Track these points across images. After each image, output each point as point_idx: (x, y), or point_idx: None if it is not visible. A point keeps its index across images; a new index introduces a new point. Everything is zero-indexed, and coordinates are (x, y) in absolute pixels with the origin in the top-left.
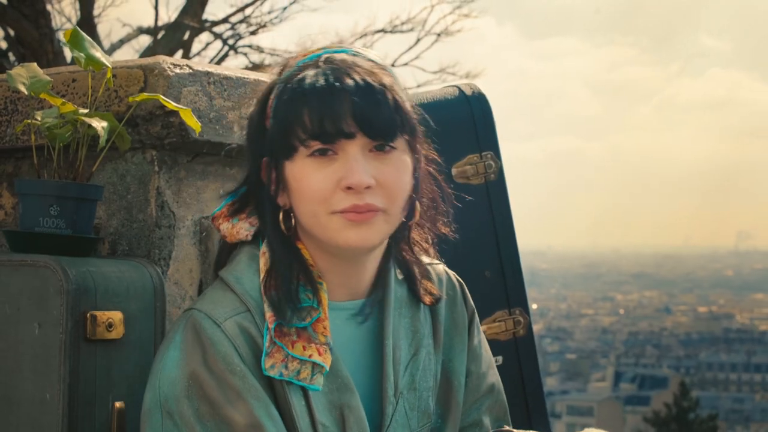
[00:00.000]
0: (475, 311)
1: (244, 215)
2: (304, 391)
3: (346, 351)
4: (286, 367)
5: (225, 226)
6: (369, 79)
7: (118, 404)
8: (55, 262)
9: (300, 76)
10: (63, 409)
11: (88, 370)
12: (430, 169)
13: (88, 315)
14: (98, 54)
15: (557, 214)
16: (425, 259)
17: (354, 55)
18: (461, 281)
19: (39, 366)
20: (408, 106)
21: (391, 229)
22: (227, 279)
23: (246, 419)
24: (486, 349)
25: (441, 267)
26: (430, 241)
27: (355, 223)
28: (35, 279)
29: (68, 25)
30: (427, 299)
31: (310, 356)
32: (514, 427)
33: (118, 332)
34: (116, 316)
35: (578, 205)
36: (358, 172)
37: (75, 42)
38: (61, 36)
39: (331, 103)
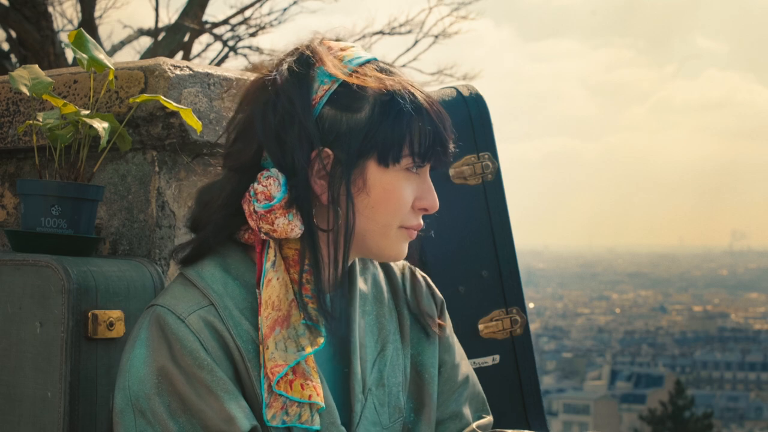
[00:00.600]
0: (444, 303)
1: (294, 210)
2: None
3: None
4: (287, 413)
5: (281, 222)
6: (441, 110)
7: (113, 406)
8: (57, 262)
9: (394, 88)
10: (64, 406)
11: (89, 369)
12: None
13: (89, 314)
14: (101, 56)
15: (553, 214)
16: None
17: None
18: (425, 276)
19: (41, 364)
20: None
21: None
22: (188, 274)
23: (217, 413)
24: (457, 341)
25: (402, 262)
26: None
27: (409, 239)
28: (37, 278)
29: (70, 27)
30: (397, 269)
31: (309, 397)
32: (510, 427)
33: (118, 331)
34: (117, 315)
35: (574, 205)
36: (435, 198)
37: (79, 43)
38: (63, 38)
39: (439, 127)
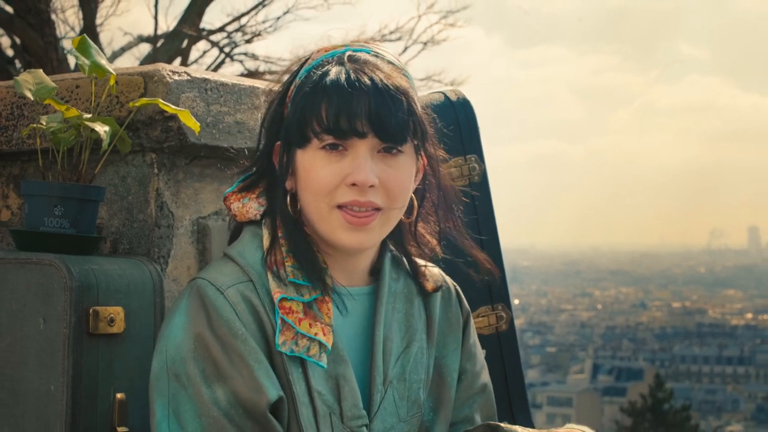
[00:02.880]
0: (470, 314)
1: (254, 195)
2: (302, 360)
3: (340, 333)
4: (297, 344)
5: (236, 205)
6: (387, 82)
7: (119, 396)
8: (60, 260)
9: (323, 70)
10: (67, 400)
11: (90, 363)
12: (439, 169)
13: (91, 310)
14: (103, 61)
15: (539, 214)
16: (421, 262)
17: (375, 55)
18: (456, 285)
19: (44, 359)
20: (420, 110)
21: (387, 230)
22: (230, 253)
23: (247, 381)
24: (480, 351)
25: (436, 270)
26: (436, 236)
27: (353, 227)
28: (40, 276)
29: (72, 34)
30: (429, 286)
31: (315, 335)
32: (499, 421)
33: (119, 327)
34: (117, 311)
35: (559, 206)
36: (364, 171)
37: (82, 49)
38: (66, 44)
39: (349, 102)
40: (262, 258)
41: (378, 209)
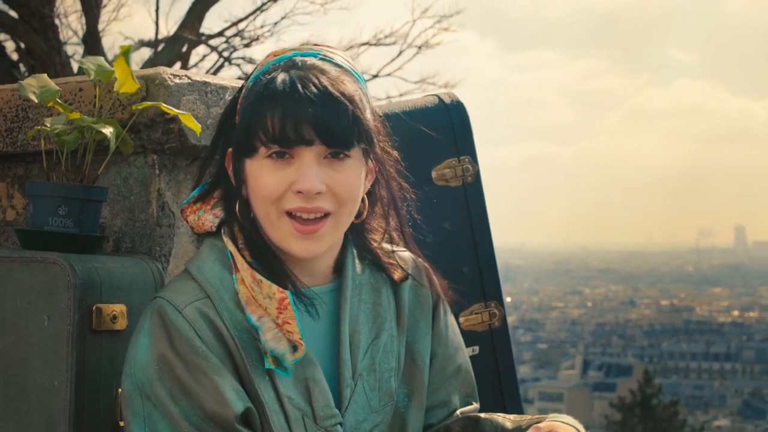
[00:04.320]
0: (441, 295)
1: (208, 207)
2: (268, 369)
3: (307, 335)
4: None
5: (192, 218)
6: (332, 89)
7: (121, 391)
8: (63, 259)
9: (269, 77)
10: (70, 395)
11: (93, 360)
12: (390, 169)
13: (94, 308)
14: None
15: (531, 214)
16: (387, 246)
17: (323, 59)
18: (427, 266)
19: (48, 355)
20: (368, 114)
21: (339, 234)
22: (190, 269)
23: (213, 396)
24: (454, 332)
25: (406, 253)
26: (394, 232)
27: (303, 235)
28: (45, 274)
29: (75, 39)
30: (397, 275)
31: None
32: (488, 411)
33: (121, 324)
34: (120, 308)
35: (550, 206)
36: (310, 178)
37: (126, 57)
38: (70, 48)
39: (294, 110)
40: (221, 270)
41: (327, 214)
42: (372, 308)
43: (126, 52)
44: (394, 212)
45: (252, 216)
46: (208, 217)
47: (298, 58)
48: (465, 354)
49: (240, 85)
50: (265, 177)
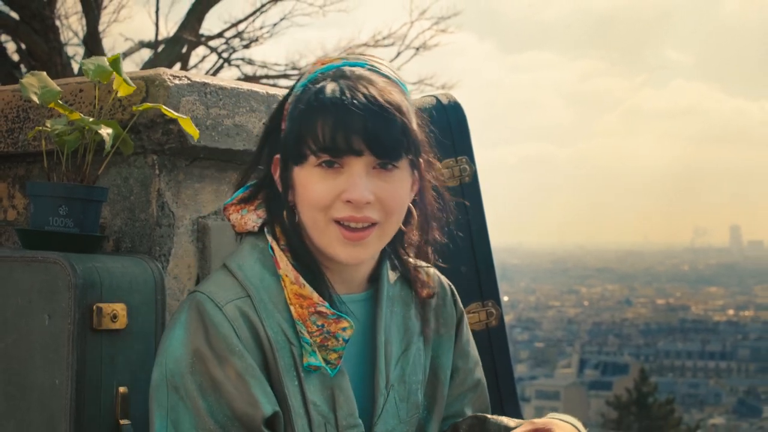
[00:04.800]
0: (464, 313)
1: (252, 207)
2: (298, 373)
3: None
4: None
5: (234, 216)
6: (381, 99)
7: (122, 389)
8: (64, 259)
9: (318, 86)
10: (71, 393)
11: (94, 358)
12: (433, 181)
13: (94, 307)
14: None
15: (528, 214)
16: (419, 263)
17: (370, 69)
18: (451, 285)
19: (49, 354)
20: (415, 125)
21: (383, 243)
22: (230, 266)
23: (244, 396)
24: (474, 348)
25: (432, 270)
26: (429, 244)
27: (350, 242)
28: (45, 274)
29: (75, 40)
30: (424, 293)
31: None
32: (486, 412)
33: (121, 323)
34: (120, 308)
35: (547, 206)
36: (359, 189)
37: (115, 66)
38: (71, 50)
39: (345, 120)
40: (261, 270)
41: (375, 223)
42: (402, 321)
43: (115, 62)
44: (432, 225)
45: (297, 221)
46: (252, 217)
47: (347, 68)
48: (482, 370)
49: (286, 92)
50: (314, 185)
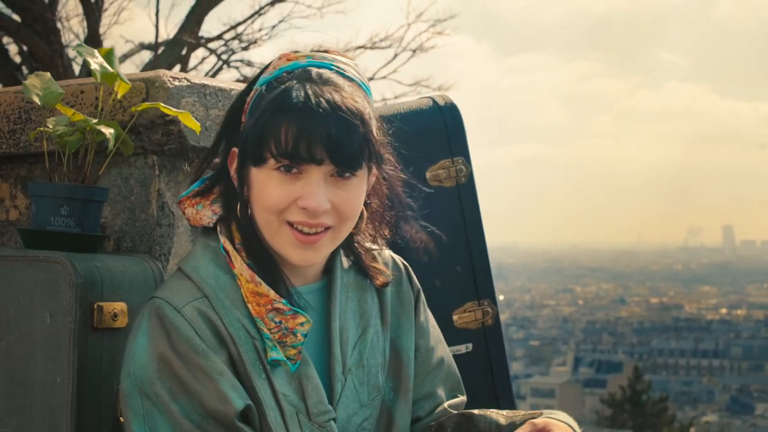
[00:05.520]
0: (421, 291)
1: (207, 202)
2: (264, 366)
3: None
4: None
5: (190, 211)
6: (345, 107)
7: (120, 390)
8: (65, 258)
9: (284, 87)
10: (72, 391)
11: (95, 356)
12: (389, 177)
13: (95, 306)
14: (118, 71)
15: (523, 214)
16: (373, 246)
17: (336, 71)
18: (406, 264)
19: (50, 352)
20: (375, 131)
21: (336, 245)
22: (185, 269)
23: (213, 393)
24: (434, 326)
25: (387, 252)
26: (380, 239)
27: (302, 245)
28: (47, 273)
29: (77, 42)
30: (379, 281)
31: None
32: (481, 407)
33: (122, 322)
34: (121, 306)
35: (543, 206)
36: (317, 197)
37: (108, 59)
38: (72, 52)
39: (308, 128)
40: (216, 270)
41: (328, 228)
42: (358, 306)
43: (108, 55)
44: (386, 218)
45: (250, 217)
46: (207, 212)
47: (313, 69)
48: (446, 347)
49: (247, 84)
50: (272, 189)
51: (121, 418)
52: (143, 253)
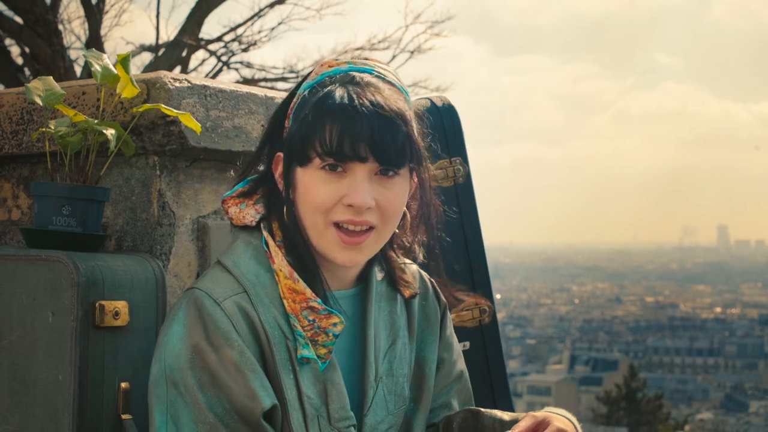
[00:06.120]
0: (447, 306)
1: (251, 201)
2: (293, 366)
3: None
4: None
5: (233, 210)
6: (387, 108)
7: (123, 385)
8: (67, 257)
9: (326, 90)
10: (74, 389)
11: (96, 355)
12: (430, 188)
13: (97, 304)
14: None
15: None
16: (399, 260)
17: (377, 76)
18: (432, 280)
19: (52, 350)
20: (416, 133)
21: (379, 247)
22: (225, 263)
23: (243, 389)
24: (456, 340)
25: (414, 267)
26: (418, 245)
27: (347, 246)
28: (49, 272)
29: (78, 44)
30: (407, 293)
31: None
32: (478, 403)
33: (123, 320)
34: (122, 305)
35: (539, 206)
36: (361, 194)
37: (124, 64)
38: (73, 53)
39: (352, 126)
40: (256, 267)
41: (372, 227)
42: (389, 316)
43: (124, 60)
44: (424, 227)
45: (295, 218)
46: (250, 211)
47: (355, 74)
48: (464, 362)
49: (290, 92)
50: (317, 188)
51: (123, 416)
52: (144, 253)
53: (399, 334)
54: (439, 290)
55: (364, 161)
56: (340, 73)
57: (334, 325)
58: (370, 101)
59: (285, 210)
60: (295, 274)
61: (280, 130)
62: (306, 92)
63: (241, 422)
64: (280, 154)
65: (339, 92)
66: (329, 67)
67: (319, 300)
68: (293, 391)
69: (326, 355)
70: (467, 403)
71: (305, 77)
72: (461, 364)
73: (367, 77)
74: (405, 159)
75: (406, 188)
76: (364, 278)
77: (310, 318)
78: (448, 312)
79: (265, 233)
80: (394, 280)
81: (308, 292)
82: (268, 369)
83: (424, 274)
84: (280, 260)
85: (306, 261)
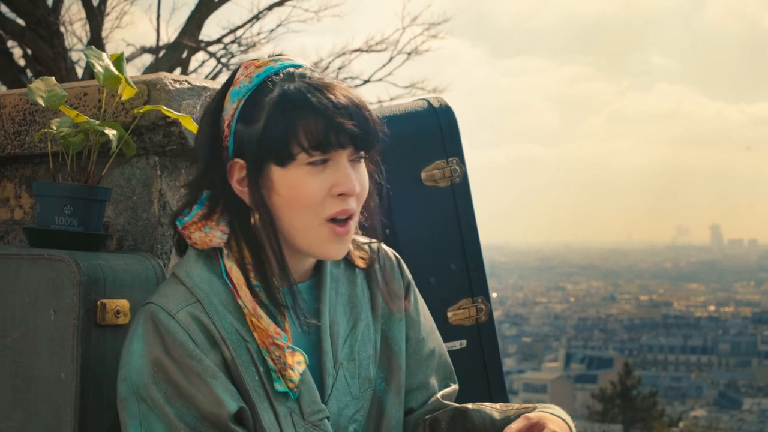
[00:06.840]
0: (412, 282)
1: (213, 222)
2: (257, 368)
3: (291, 332)
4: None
5: (197, 235)
6: (354, 96)
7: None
8: (69, 256)
9: (284, 88)
10: (76, 386)
11: (98, 352)
12: (381, 166)
13: (99, 303)
14: (125, 75)
15: (516, 213)
16: (363, 239)
17: (311, 70)
18: (398, 255)
19: (55, 348)
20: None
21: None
22: (179, 274)
23: (207, 397)
24: (425, 317)
25: (377, 244)
26: (379, 225)
27: (340, 237)
28: (51, 271)
29: (80, 46)
30: (361, 263)
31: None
32: (474, 401)
33: (125, 318)
34: (123, 304)
35: (535, 205)
36: (350, 180)
37: (117, 64)
38: (75, 55)
39: (333, 116)
40: (209, 276)
41: (353, 215)
42: (348, 299)
43: (118, 60)
44: (375, 208)
45: (271, 218)
46: (216, 233)
47: (294, 69)
48: (438, 337)
49: (212, 101)
50: (305, 184)
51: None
52: (145, 252)
53: (360, 317)
54: (404, 265)
55: (345, 148)
56: (275, 71)
57: (299, 363)
58: (339, 91)
59: (252, 214)
60: (259, 310)
61: (218, 141)
62: (248, 96)
63: (213, 428)
64: (237, 161)
65: (299, 87)
66: (257, 68)
67: (282, 337)
68: (261, 393)
69: (294, 389)
70: (448, 378)
71: (228, 85)
72: (433, 340)
73: (308, 71)
74: (375, 143)
75: (368, 172)
76: (317, 268)
77: (277, 354)
78: (414, 288)
79: (228, 264)
80: (348, 258)
81: (271, 328)
82: (231, 374)
83: (389, 249)
84: (244, 295)
85: (278, 259)
